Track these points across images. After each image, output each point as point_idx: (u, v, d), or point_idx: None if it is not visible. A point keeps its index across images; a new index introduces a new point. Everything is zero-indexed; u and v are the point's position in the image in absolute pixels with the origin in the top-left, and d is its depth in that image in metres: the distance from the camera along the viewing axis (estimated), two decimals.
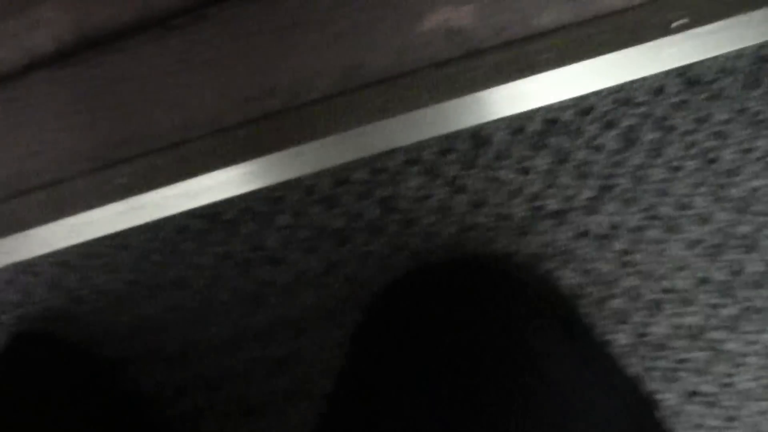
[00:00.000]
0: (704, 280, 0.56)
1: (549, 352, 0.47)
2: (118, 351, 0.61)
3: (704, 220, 0.54)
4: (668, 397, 0.60)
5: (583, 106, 0.51)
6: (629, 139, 0.51)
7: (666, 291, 0.56)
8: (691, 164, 0.52)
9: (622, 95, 0.51)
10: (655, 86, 0.51)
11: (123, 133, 0.53)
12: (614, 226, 0.54)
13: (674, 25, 0.49)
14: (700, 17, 0.49)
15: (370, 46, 0.51)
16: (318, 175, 0.54)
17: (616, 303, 0.57)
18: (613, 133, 0.51)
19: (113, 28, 0.54)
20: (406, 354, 0.47)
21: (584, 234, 0.54)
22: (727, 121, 0.51)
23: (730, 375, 0.59)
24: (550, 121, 0.52)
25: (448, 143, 0.53)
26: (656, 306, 0.57)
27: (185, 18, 0.52)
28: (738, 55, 0.51)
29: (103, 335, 0.60)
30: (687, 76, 0.51)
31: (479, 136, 0.52)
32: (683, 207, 0.54)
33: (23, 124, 0.54)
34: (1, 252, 0.60)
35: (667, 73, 0.52)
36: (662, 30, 0.49)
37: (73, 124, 0.54)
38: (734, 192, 0.53)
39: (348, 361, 0.52)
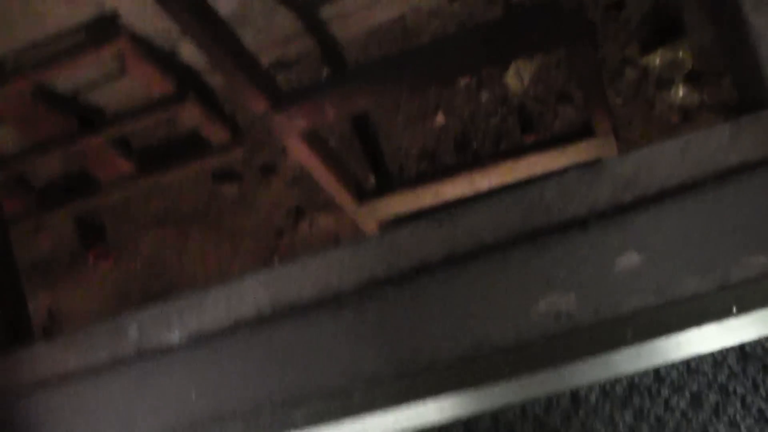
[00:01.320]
0: None
1: None
2: None
3: None
4: None
5: (659, 372, 0.66)
6: (696, 401, 0.66)
7: None
8: (748, 422, 0.65)
9: (690, 364, 0.66)
10: (717, 358, 0.66)
11: (298, 385, 0.70)
12: None
13: (734, 310, 0.64)
14: (751, 304, 0.64)
15: (493, 323, 0.67)
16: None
17: None
18: (683, 395, 0.66)
19: (299, 302, 0.72)
20: None
21: None
22: None
23: None
24: (632, 384, 0.67)
25: (553, 400, 0.68)
26: None
27: (354, 297, 0.70)
28: None
29: None
30: (744, 351, 0.66)
31: (577, 394, 0.67)
32: None
33: (218, 377, 0.73)
34: None
35: (728, 349, 0.66)
36: (726, 312, 0.64)
37: (261, 376, 0.71)
38: None
39: None
